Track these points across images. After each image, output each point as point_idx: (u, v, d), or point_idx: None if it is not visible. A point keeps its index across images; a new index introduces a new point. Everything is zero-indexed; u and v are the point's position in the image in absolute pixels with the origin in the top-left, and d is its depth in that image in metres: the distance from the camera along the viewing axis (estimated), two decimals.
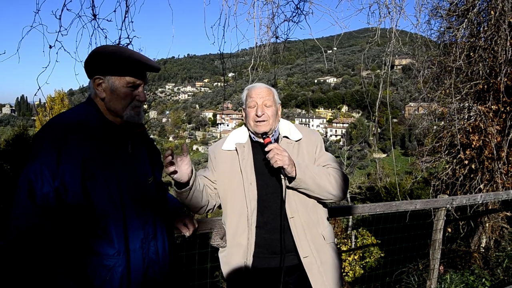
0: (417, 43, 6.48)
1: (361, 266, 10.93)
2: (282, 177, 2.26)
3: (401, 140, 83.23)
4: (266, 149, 2.25)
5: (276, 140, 2.46)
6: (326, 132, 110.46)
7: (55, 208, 1.67)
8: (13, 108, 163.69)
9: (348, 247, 12.63)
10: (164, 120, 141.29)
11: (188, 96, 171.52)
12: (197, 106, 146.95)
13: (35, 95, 4.37)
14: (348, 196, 22.45)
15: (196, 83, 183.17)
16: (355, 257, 11.14)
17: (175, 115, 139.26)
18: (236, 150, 2.44)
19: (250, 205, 2.32)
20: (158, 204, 2.08)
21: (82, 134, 1.78)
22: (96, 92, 1.90)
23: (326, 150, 2.58)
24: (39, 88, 4.04)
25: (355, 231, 13.61)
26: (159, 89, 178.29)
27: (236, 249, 2.37)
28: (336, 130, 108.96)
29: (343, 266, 10.49)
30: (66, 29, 4.08)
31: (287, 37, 5.56)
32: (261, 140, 2.38)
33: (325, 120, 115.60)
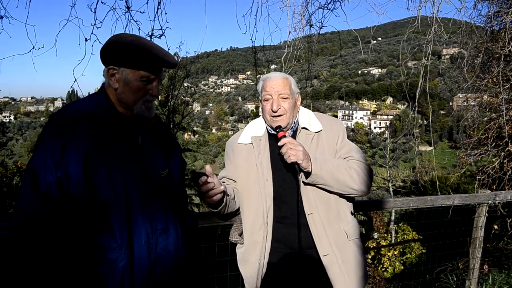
0: (462, 28, 6.14)
1: (401, 262, 10.60)
2: (298, 172, 2.14)
3: (449, 133, 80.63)
4: (279, 143, 2.13)
5: (295, 132, 2.33)
6: (370, 124, 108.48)
7: (58, 198, 1.64)
8: (65, 101, 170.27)
9: (388, 242, 12.29)
10: (207, 112, 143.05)
11: (230, 88, 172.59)
12: (239, 98, 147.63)
13: (71, 87, 4.46)
14: (391, 189, 21.84)
15: (239, 75, 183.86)
16: (395, 253, 10.80)
17: (218, 108, 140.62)
18: (252, 144, 2.33)
19: (266, 203, 2.22)
20: (172, 198, 2.01)
21: (89, 124, 1.74)
22: (109, 82, 1.85)
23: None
24: (75, 80, 4.12)
25: (395, 225, 13.23)
26: (203, 82, 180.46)
27: (253, 247, 2.27)
28: (380, 122, 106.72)
29: (382, 261, 10.23)
30: (101, 22, 4.15)
31: (321, 25, 5.38)
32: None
33: (368, 112, 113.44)
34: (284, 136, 2.18)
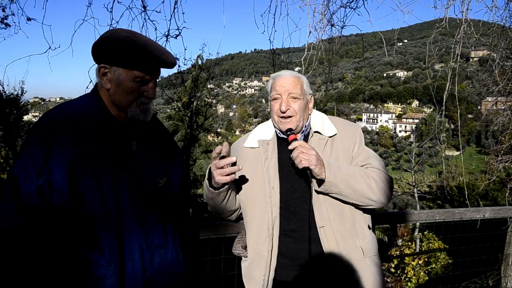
0: (493, 29, 5.84)
1: (426, 272, 10.21)
2: (311, 180, 1.94)
3: (477, 137, 78.77)
4: (290, 147, 1.92)
5: (307, 136, 2.12)
6: (395, 128, 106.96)
7: (40, 209, 1.49)
8: None
9: (412, 250, 11.90)
10: (231, 114, 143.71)
11: (254, 90, 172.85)
12: (263, 100, 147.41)
13: (86, 87, 4.40)
14: (416, 195, 21.30)
15: (263, 77, 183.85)
16: (420, 262, 10.42)
17: (241, 109, 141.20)
18: (259, 148, 2.14)
19: (272, 213, 2.00)
20: (171, 208, 1.84)
21: (75, 127, 1.58)
22: (101, 82, 1.69)
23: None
24: (91, 81, 4.05)
25: (420, 234, 12.83)
26: (227, 84, 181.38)
27: (257, 261, 2.06)
28: (405, 126, 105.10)
29: (406, 271, 9.90)
30: (117, 22, 4.06)
31: (343, 25, 5.16)
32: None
33: (394, 115, 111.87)
34: (296, 139, 1.97)
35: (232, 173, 1.87)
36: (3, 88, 16.83)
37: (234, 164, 1.85)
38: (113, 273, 1.58)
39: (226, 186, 1.96)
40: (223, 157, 1.85)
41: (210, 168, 1.96)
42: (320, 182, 1.93)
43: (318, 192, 1.98)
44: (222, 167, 1.86)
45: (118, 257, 1.59)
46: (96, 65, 1.71)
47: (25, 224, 1.48)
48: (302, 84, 2.09)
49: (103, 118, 1.66)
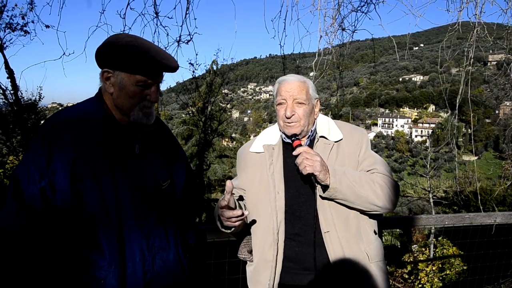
0: (508, 32, 5.75)
1: (440, 278, 10.05)
2: (316, 185, 1.95)
3: (495, 142, 77.47)
4: (295, 152, 1.94)
5: (312, 141, 2.13)
6: (411, 133, 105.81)
7: (42, 210, 1.53)
8: None
9: (426, 256, 11.73)
10: (245, 119, 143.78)
11: (269, 95, 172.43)
12: None
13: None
14: (431, 200, 20.97)
15: None
16: (433, 268, 10.26)
17: (256, 114, 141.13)
18: (265, 152, 2.15)
19: (277, 218, 2.02)
20: (174, 211, 1.87)
21: (78, 130, 1.62)
22: (104, 86, 1.73)
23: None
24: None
25: (434, 240, 12.63)
26: (241, 89, 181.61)
27: (262, 266, 2.08)
28: (422, 131, 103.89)
29: (419, 277, 9.76)
30: (130, 28, 4.14)
31: (355, 29, 5.16)
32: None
33: (409, 120, 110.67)
34: (300, 145, 1.99)
35: (236, 220, 1.92)
36: (21, 93, 17.10)
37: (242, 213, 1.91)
38: (113, 275, 1.61)
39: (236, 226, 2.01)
40: (230, 207, 1.92)
41: (218, 211, 2.01)
42: (325, 188, 1.94)
43: (323, 198, 1.98)
44: (226, 218, 1.93)
45: (118, 258, 1.62)
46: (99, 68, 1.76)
47: (26, 226, 1.52)
48: (308, 89, 2.10)
49: (106, 122, 1.70)
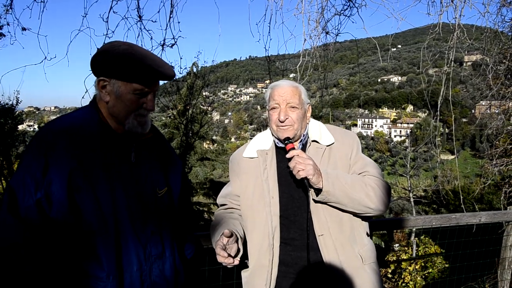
0: (486, 34, 5.88)
1: (423, 276, 10.20)
2: (308, 189, 1.96)
3: (471, 141, 79.13)
4: (288, 155, 1.94)
5: (305, 145, 2.14)
6: (390, 133, 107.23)
7: (38, 222, 1.50)
8: None
9: (409, 255, 11.90)
10: (226, 121, 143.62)
11: (249, 97, 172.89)
12: (258, 107, 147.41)
13: (82, 97, 4.40)
14: (412, 199, 21.34)
15: (258, 84, 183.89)
16: (416, 267, 10.40)
17: (237, 116, 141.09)
18: (258, 158, 2.15)
19: (272, 223, 2.02)
20: (171, 218, 1.85)
21: (75, 140, 1.59)
22: (100, 95, 1.71)
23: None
24: (87, 91, 4.05)
25: (416, 238, 12.83)
26: (222, 91, 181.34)
27: (258, 271, 2.08)
28: (400, 131, 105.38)
29: (403, 276, 9.89)
30: (113, 32, 4.08)
31: (338, 32, 5.21)
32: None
33: (389, 120, 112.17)
34: (293, 148, 1.99)
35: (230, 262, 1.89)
36: None
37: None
38: (112, 286, 1.58)
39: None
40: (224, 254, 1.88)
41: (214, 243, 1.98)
42: (318, 191, 1.95)
43: (316, 201, 1.99)
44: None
45: (116, 269, 1.60)
46: (94, 76, 1.72)
47: (23, 238, 1.48)
48: (300, 93, 2.11)
49: (102, 130, 1.67)
